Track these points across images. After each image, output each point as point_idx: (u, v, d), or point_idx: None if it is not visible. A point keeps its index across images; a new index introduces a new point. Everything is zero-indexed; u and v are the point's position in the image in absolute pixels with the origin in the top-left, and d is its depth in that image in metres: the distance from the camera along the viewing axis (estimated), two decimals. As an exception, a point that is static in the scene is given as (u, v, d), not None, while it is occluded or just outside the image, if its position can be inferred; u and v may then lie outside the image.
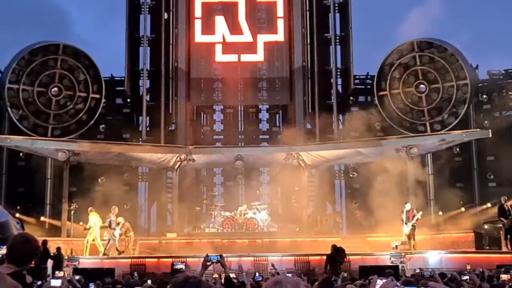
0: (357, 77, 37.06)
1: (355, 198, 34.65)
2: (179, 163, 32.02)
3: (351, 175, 35.11)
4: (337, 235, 31.18)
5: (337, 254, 22.37)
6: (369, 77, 36.96)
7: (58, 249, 23.65)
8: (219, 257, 8.55)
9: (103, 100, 34.49)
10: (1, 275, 5.09)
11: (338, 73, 37.08)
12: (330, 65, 36.66)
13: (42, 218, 31.55)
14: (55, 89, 33.64)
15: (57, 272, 18.96)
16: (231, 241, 28.36)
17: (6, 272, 5.43)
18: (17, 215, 25.54)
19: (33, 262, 5.75)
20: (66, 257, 24.28)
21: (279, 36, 37.24)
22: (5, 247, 5.60)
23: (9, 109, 32.59)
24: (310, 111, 36.47)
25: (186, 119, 36.73)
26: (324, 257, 22.84)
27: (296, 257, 24.64)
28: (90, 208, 27.09)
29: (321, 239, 28.52)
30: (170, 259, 23.92)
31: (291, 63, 36.97)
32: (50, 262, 22.77)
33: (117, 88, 36.52)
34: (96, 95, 34.40)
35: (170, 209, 34.48)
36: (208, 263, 8.48)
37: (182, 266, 20.45)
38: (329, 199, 35.55)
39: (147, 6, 36.70)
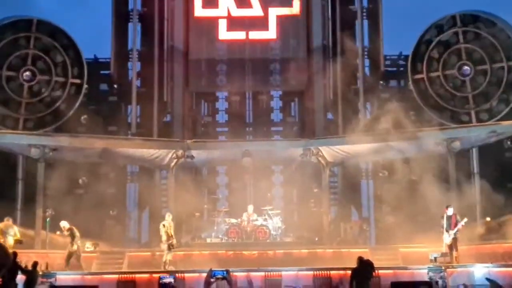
0: (387, 57, 36.84)
1: (385, 202, 34.28)
2: (175, 160, 31.76)
3: (380, 174, 34.79)
4: (364, 245, 30.89)
5: (364, 269, 21.99)
6: (402, 57, 36.73)
7: (35, 264, 23.39)
8: (225, 272, 8.16)
9: (85, 86, 34.30)
10: None
11: (365, 53, 36.83)
12: (355, 43, 36.31)
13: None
14: (27, 73, 33.54)
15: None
16: (237, 253, 28.15)
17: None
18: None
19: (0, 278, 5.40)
20: (40, 273, 24.03)
21: (295, 9, 37.07)
22: None
23: (-28, 96, 32.55)
24: (331, 98, 36.19)
25: (183, 109, 36.62)
26: (349, 272, 22.48)
27: (315, 272, 24.30)
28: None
29: (345, 251, 28.28)
30: (165, 275, 23.66)
31: (309, 41, 36.78)
32: (21, 278, 22.54)
33: (102, 72, 36.44)
34: (77, 80, 34.23)
35: (164, 215, 34.16)
36: (211, 280, 8.11)
37: (170, 280, 20.31)
38: (355, 203, 35.34)
39: (137, -26, 36.57)
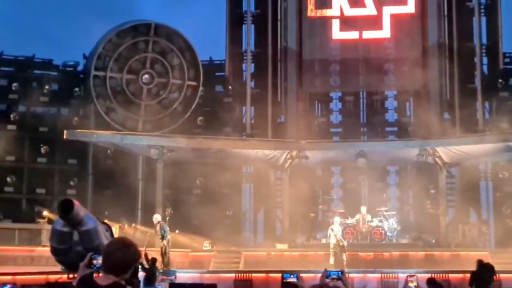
0: (507, 55, 35.98)
1: (506, 204, 33.53)
2: (289, 161, 32.09)
3: (500, 176, 33.99)
4: (484, 248, 30.31)
5: (484, 272, 21.57)
6: (523, 54, 35.76)
7: (153, 260, 24.20)
8: (340, 273, 8.34)
9: (201, 88, 35.05)
10: None
11: (484, 50, 36.10)
12: (473, 40, 35.71)
13: (133, 225, 32.40)
14: (146, 76, 34.45)
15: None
16: (353, 254, 28.01)
17: (105, 283, 5.51)
18: (106, 221, 26.30)
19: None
20: (160, 270, 24.80)
21: (409, 7, 36.71)
22: (100, 256, 5.67)
23: (95, 100, 33.67)
24: (448, 97, 35.71)
25: (297, 109, 36.78)
26: (468, 275, 22.12)
27: (432, 275, 24.05)
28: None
29: (463, 253, 28.00)
30: (281, 274, 23.95)
31: (424, 40, 36.35)
32: (141, 275, 23.32)
33: (217, 74, 37.11)
34: (193, 82, 35.00)
35: (279, 216, 34.62)
36: (327, 280, 8.30)
37: (294, 279, 20.48)
38: (473, 205, 34.68)
39: (251, -23, 37.03)
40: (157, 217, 27.13)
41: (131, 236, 27.03)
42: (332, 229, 26.72)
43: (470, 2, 36.00)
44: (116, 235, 26.61)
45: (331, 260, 25.87)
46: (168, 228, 26.58)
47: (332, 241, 26.41)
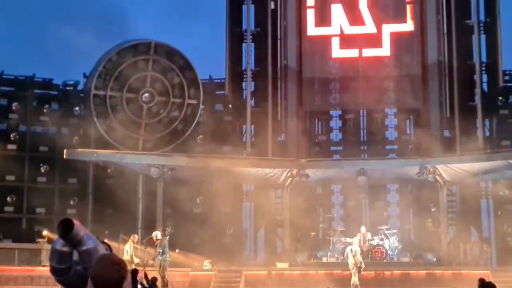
0: (507, 72, 36.01)
1: (507, 222, 33.46)
2: (290, 179, 32.04)
3: (501, 193, 33.94)
4: (485, 267, 30.22)
5: (486, 291, 21.57)
6: (522, 72, 35.82)
7: (154, 280, 24.08)
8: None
9: (201, 107, 35.09)
10: None
11: (483, 68, 36.14)
12: (472, 58, 35.79)
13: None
14: (146, 94, 34.50)
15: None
16: (354, 273, 28.04)
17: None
18: (106, 240, 26.19)
19: None
20: (161, 290, 24.70)
21: (409, 25, 36.83)
22: None
23: (95, 119, 33.69)
24: (448, 115, 35.71)
25: (297, 127, 36.76)
26: (470, 294, 22.11)
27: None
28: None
29: (464, 272, 27.90)
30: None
31: (424, 58, 36.41)
32: (142, 295, 23.22)
33: (217, 93, 37.18)
34: (193, 101, 35.06)
35: (280, 234, 34.56)
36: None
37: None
38: (474, 223, 34.60)
39: (251, -5, 37.13)
40: (157, 234, 26.94)
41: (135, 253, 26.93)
42: (351, 249, 26.30)
43: (470, 20, 36.11)
44: (131, 248, 26.62)
45: (354, 280, 25.51)
46: (167, 245, 26.37)
47: (351, 261, 26.13)
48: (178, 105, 35.00)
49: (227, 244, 33.26)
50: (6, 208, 33.53)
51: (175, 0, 77.94)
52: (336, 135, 38.23)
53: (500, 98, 35.36)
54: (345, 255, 26.99)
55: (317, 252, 31.94)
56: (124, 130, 34.11)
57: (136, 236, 28.01)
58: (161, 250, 26.15)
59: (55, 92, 35.68)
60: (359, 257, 26.06)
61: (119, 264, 5.60)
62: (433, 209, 33.59)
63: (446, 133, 35.87)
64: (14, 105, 33.96)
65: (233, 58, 37.38)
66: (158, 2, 76.75)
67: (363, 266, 26.17)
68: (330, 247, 31.08)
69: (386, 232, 30.73)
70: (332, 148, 38.21)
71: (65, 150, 30.33)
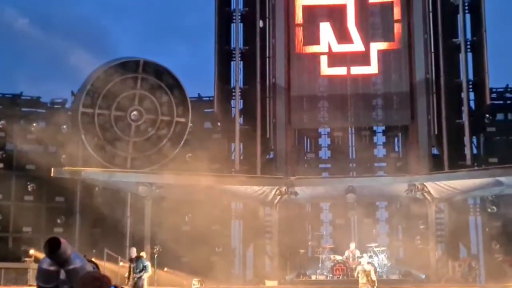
0: (494, 90, 36.11)
1: (496, 239, 33.48)
2: (279, 197, 32.00)
3: (489, 210, 33.96)
4: (474, 284, 30.27)
5: (475, 308, 21.56)
6: (508, 89, 36.02)
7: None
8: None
9: (190, 125, 34.99)
10: None
11: (470, 86, 36.28)
12: (459, 76, 35.87)
13: (121, 264, 32.01)
14: (135, 112, 34.29)
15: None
16: (343, 291, 27.95)
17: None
18: (93, 259, 25.97)
19: None
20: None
21: (396, 43, 36.99)
22: None
23: (83, 137, 33.54)
24: (436, 132, 35.77)
25: (286, 145, 36.77)
26: (459, 312, 22.08)
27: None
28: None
29: (453, 289, 27.75)
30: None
31: (412, 76, 36.51)
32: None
33: (205, 111, 37.14)
34: (181, 119, 34.94)
35: (269, 252, 34.43)
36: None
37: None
38: (463, 240, 34.60)
39: (239, 14, 37.14)
40: (133, 252, 25.77)
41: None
42: (365, 270, 25.96)
43: (457, 38, 36.26)
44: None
45: None
46: (149, 263, 25.50)
47: (362, 280, 25.91)
48: (166, 123, 34.86)
49: (215, 262, 33.04)
50: (-7, 227, 33.30)
51: (156, 21, 78.43)
52: (324, 153, 38.33)
53: (487, 115, 35.45)
54: (355, 274, 26.62)
55: (306, 270, 31.83)
56: (112, 148, 33.94)
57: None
58: (142, 267, 25.08)
59: (42, 110, 35.53)
60: (373, 276, 25.70)
61: (100, 280, 5.56)
62: (421, 226, 33.60)
63: (434, 150, 35.94)
64: (1, 123, 33.83)
65: (222, 76, 37.33)
66: (139, 22, 77.19)
67: (376, 285, 25.92)
68: (319, 265, 30.97)
69: (375, 249, 30.66)
70: (321, 165, 38.27)
71: (52, 169, 30.11)
